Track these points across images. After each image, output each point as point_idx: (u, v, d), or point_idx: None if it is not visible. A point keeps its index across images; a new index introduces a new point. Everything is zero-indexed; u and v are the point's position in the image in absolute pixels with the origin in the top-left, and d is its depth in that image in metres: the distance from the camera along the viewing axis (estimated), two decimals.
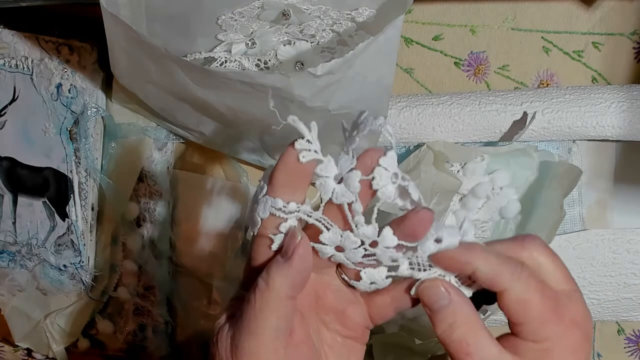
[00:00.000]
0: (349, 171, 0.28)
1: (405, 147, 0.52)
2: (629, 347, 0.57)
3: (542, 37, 0.51)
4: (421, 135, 0.50)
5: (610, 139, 0.49)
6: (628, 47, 0.51)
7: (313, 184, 0.29)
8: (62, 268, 0.56)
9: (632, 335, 0.56)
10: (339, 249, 0.29)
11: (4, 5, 0.45)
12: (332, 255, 0.30)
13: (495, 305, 0.31)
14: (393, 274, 0.30)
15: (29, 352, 0.64)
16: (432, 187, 0.48)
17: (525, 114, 0.48)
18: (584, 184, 0.52)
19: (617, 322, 0.56)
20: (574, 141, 0.51)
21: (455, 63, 0.52)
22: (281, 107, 0.42)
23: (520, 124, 0.49)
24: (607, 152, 0.51)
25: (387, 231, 0.28)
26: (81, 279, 0.56)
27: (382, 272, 0.30)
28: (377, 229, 0.28)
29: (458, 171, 0.51)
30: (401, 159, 0.51)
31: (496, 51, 0.51)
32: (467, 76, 0.52)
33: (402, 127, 0.50)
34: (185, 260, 0.57)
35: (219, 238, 0.56)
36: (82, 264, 0.56)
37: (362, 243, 0.29)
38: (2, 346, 0.65)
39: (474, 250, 0.29)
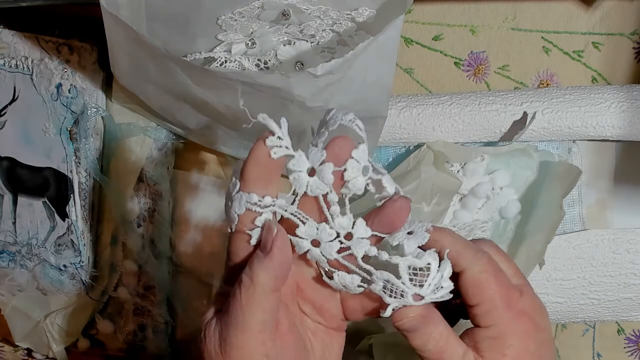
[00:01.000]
0: (321, 164, 0.28)
1: (405, 147, 0.52)
2: (629, 347, 0.57)
3: (542, 37, 0.51)
4: (421, 135, 0.50)
5: (610, 139, 0.49)
6: (628, 47, 0.51)
7: (285, 177, 0.29)
8: (62, 268, 0.56)
9: (632, 335, 0.56)
10: (315, 243, 0.30)
11: (4, 5, 0.45)
12: (308, 251, 0.30)
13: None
14: (365, 286, 0.31)
15: (29, 352, 0.64)
16: (432, 187, 0.48)
17: (525, 114, 0.49)
18: (584, 184, 0.52)
19: (617, 322, 0.56)
20: (574, 141, 0.51)
21: (455, 63, 0.52)
22: (281, 107, 0.42)
23: (520, 124, 0.49)
24: (607, 152, 0.51)
25: (360, 222, 0.29)
26: (81, 279, 0.56)
27: (355, 280, 0.31)
28: (352, 220, 0.29)
29: (458, 171, 0.51)
30: (401, 158, 0.51)
31: (496, 51, 0.51)
32: (467, 76, 0.52)
33: (402, 127, 0.50)
34: (185, 260, 0.57)
35: (219, 238, 0.56)
36: (82, 264, 0.56)
37: (338, 235, 0.29)
38: (2, 346, 0.65)
39: (444, 231, 0.31)
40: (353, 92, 0.42)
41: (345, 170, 0.29)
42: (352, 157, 0.29)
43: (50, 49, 0.51)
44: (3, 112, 0.54)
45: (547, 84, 0.52)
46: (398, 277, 0.29)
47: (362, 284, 0.31)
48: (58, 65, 0.51)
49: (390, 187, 0.30)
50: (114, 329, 0.60)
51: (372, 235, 0.30)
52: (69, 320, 0.60)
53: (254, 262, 0.29)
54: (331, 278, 0.31)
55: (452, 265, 0.30)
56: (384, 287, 0.30)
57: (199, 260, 0.57)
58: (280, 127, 0.28)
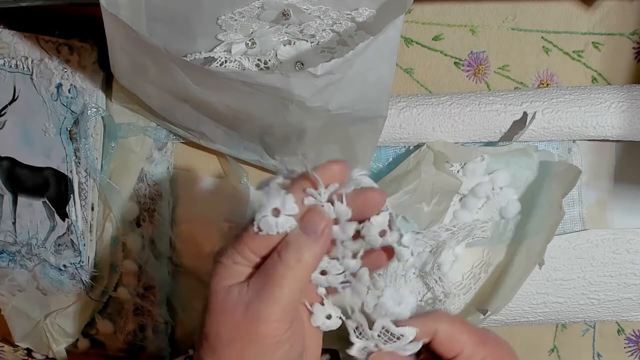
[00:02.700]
0: (347, 221, 0.32)
1: (405, 147, 0.52)
2: (629, 347, 0.57)
3: (542, 37, 0.51)
4: (421, 135, 0.50)
5: (610, 139, 0.49)
6: (628, 47, 0.51)
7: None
8: (62, 268, 0.56)
9: (632, 335, 0.56)
10: (323, 272, 0.34)
11: (4, 5, 0.45)
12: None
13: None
14: (344, 318, 0.35)
15: (29, 352, 0.64)
16: (432, 187, 0.48)
17: (525, 114, 0.48)
18: (584, 184, 0.52)
19: (617, 322, 0.56)
20: (574, 141, 0.51)
21: (455, 63, 0.52)
22: (281, 107, 0.42)
23: (520, 124, 0.49)
24: (607, 152, 0.51)
25: (364, 271, 0.34)
26: (81, 279, 0.56)
27: (338, 312, 0.35)
28: (360, 265, 0.34)
29: (458, 171, 0.51)
30: (401, 159, 0.51)
31: (496, 51, 0.51)
32: (467, 76, 0.52)
33: (402, 127, 0.50)
34: (185, 260, 0.57)
35: (219, 238, 0.56)
36: (82, 264, 0.56)
37: (344, 271, 0.34)
38: (2, 346, 0.65)
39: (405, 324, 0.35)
40: (353, 92, 0.42)
41: (362, 227, 0.33)
42: (372, 223, 0.33)
43: (50, 49, 0.51)
44: (3, 112, 0.54)
45: (547, 84, 0.52)
46: (370, 325, 0.34)
47: (342, 316, 0.35)
48: (58, 65, 0.51)
49: (406, 251, 0.33)
50: (114, 329, 0.60)
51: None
52: (69, 320, 0.60)
53: (302, 244, 0.31)
54: (322, 303, 0.35)
55: (428, 342, 0.35)
56: (356, 328, 0.34)
57: (199, 260, 0.57)
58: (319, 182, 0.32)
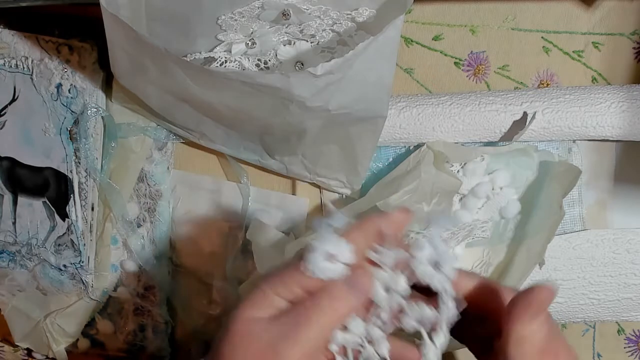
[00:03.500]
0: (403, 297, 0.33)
1: (405, 147, 0.52)
2: (629, 347, 0.57)
3: (542, 37, 0.51)
4: (421, 135, 0.50)
5: (610, 139, 0.49)
6: (628, 47, 0.51)
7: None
8: (62, 268, 0.56)
9: (632, 335, 0.56)
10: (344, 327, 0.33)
11: (4, 5, 0.45)
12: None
13: None
14: None
15: (29, 352, 0.64)
16: (432, 187, 0.48)
17: (525, 114, 0.48)
18: (584, 184, 0.52)
19: (617, 322, 0.56)
20: (574, 141, 0.51)
21: (455, 63, 0.52)
22: (281, 107, 0.42)
23: (520, 124, 0.49)
24: (607, 152, 0.51)
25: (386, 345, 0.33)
26: (81, 279, 0.56)
27: None
28: (385, 339, 0.33)
29: (458, 171, 0.51)
30: (401, 159, 0.51)
31: (496, 51, 0.51)
32: (467, 76, 0.52)
33: (402, 127, 0.50)
34: (185, 260, 0.57)
35: (219, 238, 0.56)
36: (82, 264, 0.56)
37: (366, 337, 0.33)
38: (2, 346, 0.65)
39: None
40: (353, 92, 0.42)
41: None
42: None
43: (50, 49, 0.51)
44: (3, 112, 0.54)
45: (547, 84, 0.52)
46: None
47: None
48: (58, 65, 0.51)
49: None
50: (114, 329, 0.60)
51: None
52: (69, 320, 0.60)
53: (341, 295, 0.31)
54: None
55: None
56: None
57: (199, 260, 0.57)
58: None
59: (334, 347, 0.32)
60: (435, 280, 0.32)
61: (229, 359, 0.31)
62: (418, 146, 0.50)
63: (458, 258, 0.51)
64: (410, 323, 0.32)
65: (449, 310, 0.32)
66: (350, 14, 0.45)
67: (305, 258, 0.31)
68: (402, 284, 0.32)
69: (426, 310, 0.32)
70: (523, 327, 0.31)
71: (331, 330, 0.31)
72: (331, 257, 0.31)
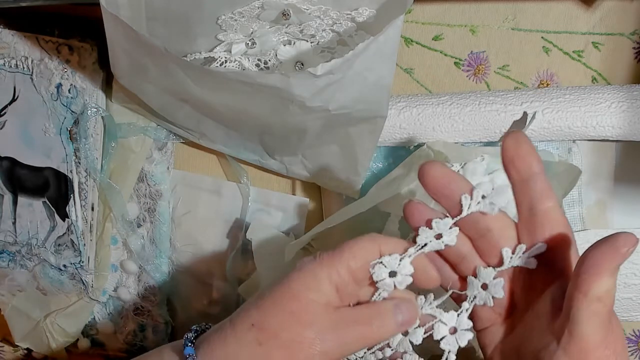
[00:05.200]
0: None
1: (405, 147, 0.52)
2: (629, 347, 0.57)
3: (542, 37, 0.51)
4: (421, 135, 0.50)
5: (610, 139, 0.49)
6: (628, 47, 0.51)
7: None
8: (62, 268, 0.56)
9: (632, 335, 0.56)
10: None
11: (4, 5, 0.45)
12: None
13: None
14: None
15: (29, 352, 0.64)
16: None
17: (525, 114, 0.48)
18: (584, 184, 0.52)
19: None
20: (574, 141, 0.51)
21: (455, 63, 0.52)
22: (281, 107, 0.42)
23: (520, 124, 0.49)
24: (607, 152, 0.51)
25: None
26: (81, 279, 0.56)
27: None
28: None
29: (458, 171, 0.51)
30: (401, 159, 0.51)
31: (496, 51, 0.51)
32: (467, 76, 0.52)
33: (402, 127, 0.50)
34: (185, 260, 0.57)
35: (219, 238, 0.56)
36: (82, 264, 0.56)
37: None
38: (2, 346, 0.65)
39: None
40: (353, 92, 0.42)
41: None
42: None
43: (50, 49, 0.51)
44: (3, 112, 0.54)
45: (547, 84, 0.52)
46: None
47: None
48: (58, 65, 0.51)
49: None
50: (114, 329, 0.60)
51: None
52: (69, 320, 0.60)
53: (388, 322, 0.34)
54: None
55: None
56: None
57: (199, 260, 0.57)
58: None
59: (351, 357, 0.36)
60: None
61: (272, 328, 0.33)
62: (418, 146, 0.50)
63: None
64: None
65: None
66: (350, 14, 0.45)
67: (374, 270, 0.33)
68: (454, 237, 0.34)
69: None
70: (601, 285, 0.27)
71: (368, 345, 0.35)
72: (394, 273, 0.33)
